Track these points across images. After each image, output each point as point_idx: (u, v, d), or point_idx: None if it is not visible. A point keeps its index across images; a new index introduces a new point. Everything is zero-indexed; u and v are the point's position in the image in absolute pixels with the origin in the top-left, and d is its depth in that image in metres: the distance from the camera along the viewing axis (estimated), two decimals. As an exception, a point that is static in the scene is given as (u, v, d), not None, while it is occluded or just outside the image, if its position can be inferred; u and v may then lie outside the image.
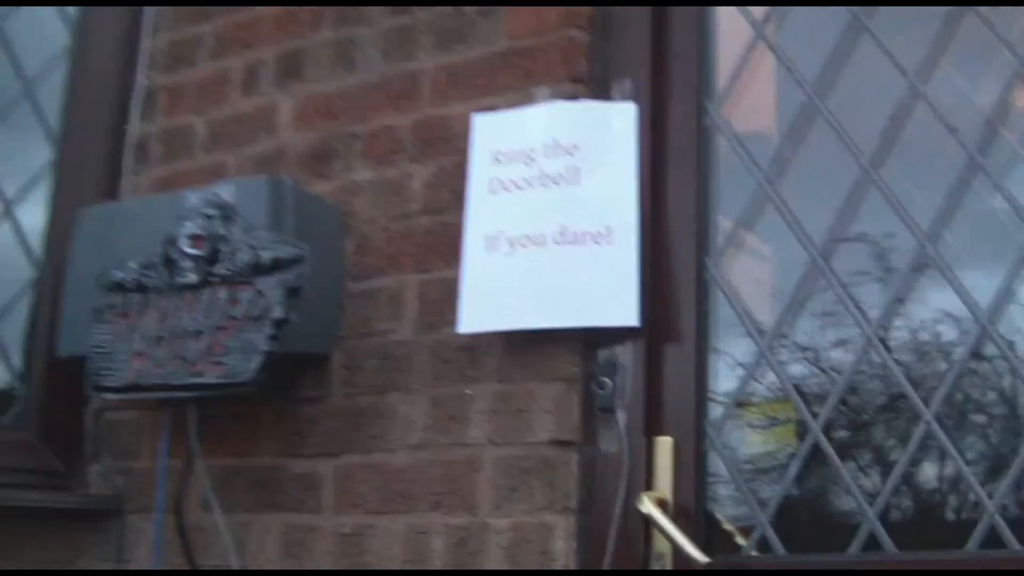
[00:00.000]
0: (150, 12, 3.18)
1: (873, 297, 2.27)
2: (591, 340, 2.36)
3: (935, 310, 2.22)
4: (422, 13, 2.71)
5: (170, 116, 3.08)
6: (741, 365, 2.36)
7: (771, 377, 2.33)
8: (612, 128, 2.40)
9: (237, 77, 2.99)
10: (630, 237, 2.33)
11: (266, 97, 2.93)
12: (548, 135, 2.42)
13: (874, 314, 2.25)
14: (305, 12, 2.90)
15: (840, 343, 2.29)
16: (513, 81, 2.54)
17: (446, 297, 2.48)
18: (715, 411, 2.34)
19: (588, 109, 2.44)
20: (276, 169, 2.81)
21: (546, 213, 2.37)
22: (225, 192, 2.55)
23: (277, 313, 2.40)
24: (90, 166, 3.09)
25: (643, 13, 2.54)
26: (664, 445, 2.31)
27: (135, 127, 3.12)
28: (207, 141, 2.99)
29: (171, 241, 2.56)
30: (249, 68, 2.98)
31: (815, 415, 2.27)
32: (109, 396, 2.62)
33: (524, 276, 2.35)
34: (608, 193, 2.36)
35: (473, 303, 2.38)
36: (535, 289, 2.33)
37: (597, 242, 2.32)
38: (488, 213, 2.42)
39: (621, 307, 2.28)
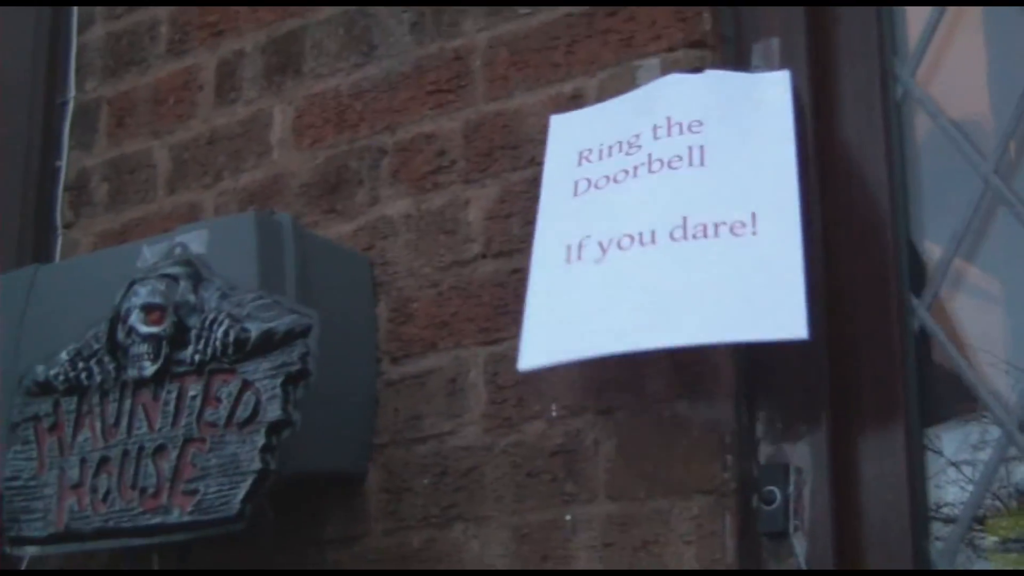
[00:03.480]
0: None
1: None
2: (743, 428, 2.30)
3: None
4: (468, -35, 2.77)
5: (116, 142, 3.12)
6: (973, 463, 2.29)
7: (1014, 479, 2.25)
8: (756, 103, 2.37)
9: (209, 79, 3.02)
10: (788, 222, 2.23)
11: (252, 105, 2.95)
12: (659, 114, 2.39)
13: None
14: (299, -23, 3.00)
15: None
16: (604, 53, 2.52)
17: (527, 378, 2.42)
18: (942, 530, 2.27)
19: (719, 80, 2.40)
20: (272, 206, 2.82)
21: (658, 204, 2.32)
22: (194, 241, 2.54)
23: (274, 413, 2.34)
24: (7, 220, 3.11)
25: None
26: (868, 585, 2.28)
27: (67, 161, 3.17)
28: (171, 174, 3.01)
29: (118, 317, 2.53)
30: (225, 65, 3.01)
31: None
32: (33, 551, 2.60)
33: (623, 285, 2.28)
34: (752, 172, 2.30)
35: (542, 328, 2.32)
36: (641, 299, 2.26)
37: (736, 233, 2.24)
38: (570, 219, 2.39)
39: (781, 313, 2.16)
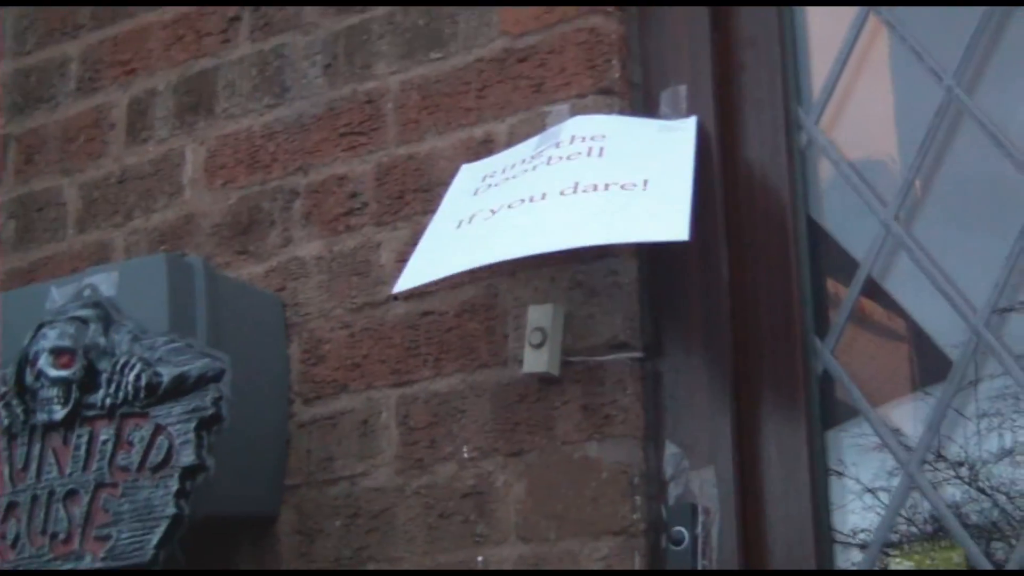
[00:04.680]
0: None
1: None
2: (651, 469, 2.31)
3: None
4: (379, 8, 2.75)
5: (25, 179, 3.12)
6: (879, 491, 2.33)
7: (926, 507, 2.28)
8: (661, 135, 2.40)
9: (120, 117, 3.02)
10: (681, 180, 2.27)
11: (163, 144, 2.96)
12: (564, 135, 2.40)
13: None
14: (211, 16, 2.95)
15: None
16: (515, 98, 2.55)
17: (439, 419, 2.48)
18: (856, 556, 2.31)
19: (626, 120, 2.44)
20: (183, 247, 2.83)
21: (552, 178, 2.33)
22: (104, 282, 2.53)
23: (188, 458, 2.34)
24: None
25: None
26: (776, 622, 2.28)
27: (-25, 198, 3.14)
28: (81, 213, 3.01)
29: (26, 360, 2.51)
30: (136, 103, 3.01)
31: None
32: (-62, 602, 2.55)
33: (509, 221, 2.30)
34: (649, 164, 2.31)
35: (420, 259, 2.38)
36: (523, 220, 2.28)
37: (626, 189, 2.27)
38: (467, 207, 2.40)
39: (665, 217, 2.20)
